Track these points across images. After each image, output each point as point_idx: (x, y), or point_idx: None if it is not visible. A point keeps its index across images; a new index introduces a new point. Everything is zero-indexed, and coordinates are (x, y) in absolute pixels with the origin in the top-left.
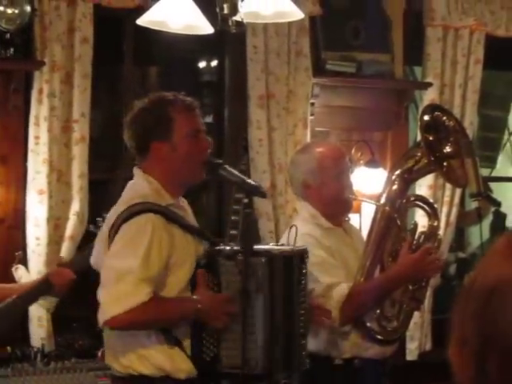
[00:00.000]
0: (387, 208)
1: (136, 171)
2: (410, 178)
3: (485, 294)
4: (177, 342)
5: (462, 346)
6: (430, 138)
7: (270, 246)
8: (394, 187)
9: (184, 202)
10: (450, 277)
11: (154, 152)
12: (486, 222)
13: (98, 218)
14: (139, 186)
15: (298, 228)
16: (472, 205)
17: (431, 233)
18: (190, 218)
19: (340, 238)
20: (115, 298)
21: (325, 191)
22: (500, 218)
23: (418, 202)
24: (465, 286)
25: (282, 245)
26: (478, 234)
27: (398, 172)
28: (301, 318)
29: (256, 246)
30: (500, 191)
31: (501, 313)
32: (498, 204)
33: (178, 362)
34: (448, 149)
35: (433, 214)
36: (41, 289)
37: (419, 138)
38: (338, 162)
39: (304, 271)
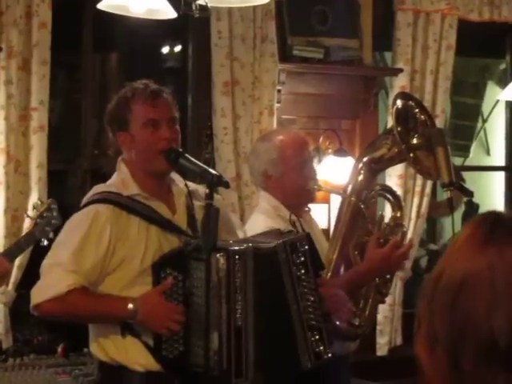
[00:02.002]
0: (353, 199)
1: (118, 160)
2: (377, 168)
3: (454, 287)
4: (133, 332)
5: (432, 342)
6: (398, 128)
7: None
8: (360, 177)
9: (176, 191)
10: (421, 270)
11: (120, 143)
12: (459, 213)
13: None
14: (113, 176)
15: (260, 221)
16: (444, 195)
17: (396, 224)
18: (179, 209)
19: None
20: (41, 287)
21: (286, 182)
22: (473, 208)
23: (382, 192)
24: (430, 278)
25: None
26: (450, 225)
27: (364, 160)
28: (308, 309)
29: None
30: (473, 181)
31: (472, 306)
32: (470, 194)
33: (133, 354)
34: (415, 140)
35: (396, 205)
36: None
37: (389, 126)
38: (301, 152)
39: (301, 260)
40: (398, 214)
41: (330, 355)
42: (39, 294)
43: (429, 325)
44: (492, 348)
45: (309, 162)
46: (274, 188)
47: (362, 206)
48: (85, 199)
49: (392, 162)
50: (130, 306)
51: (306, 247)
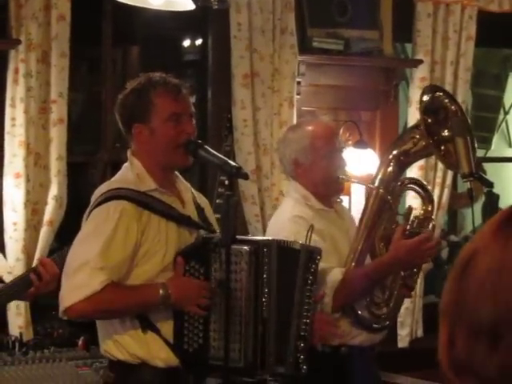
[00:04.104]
0: (381, 190)
1: (128, 153)
2: (406, 161)
3: (463, 262)
4: (153, 328)
5: (441, 316)
6: (429, 120)
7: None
8: (389, 169)
9: (182, 186)
10: (442, 261)
11: (135, 135)
12: (479, 204)
13: None
14: (125, 170)
15: (288, 207)
16: (465, 187)
17: (425, 218)
18: (188, 203)
19: (332, 221)
20: (72, 288)
21: (316, 170)
22: (493, 199)
23: (412, 186)
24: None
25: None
26: (471, 216)
27: (393, 153)
28: (302, 319)
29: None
30: (495, 172)
31: (469, 283)
32: (490, 185)
33: (154, 349)
34: (446, 132)
35: (427, 198)
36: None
37: (410, 118)
38: (330, 141)
39: (312, 271)
40: (429, 208)
41: (305, 368)
42: (71, 295)
43: (442, 299)
44: (479, 328)
45: (338, 151)
46: (304, 176)
47: (389, 198)
48: (98, 195)
49: (420, 155)
50: (161, 291)
51: (319, 258)
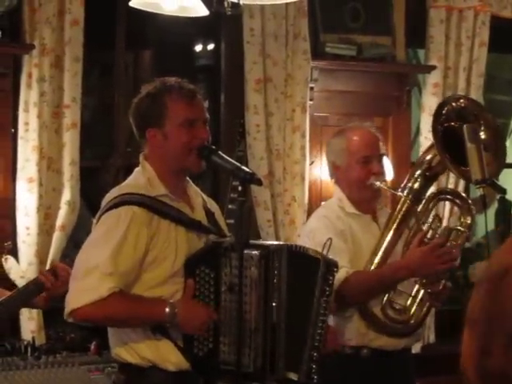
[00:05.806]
0: (409, 201)
1: (140, 158)
2: (431, 175)
3: (497, 275)
4: (163, 332)
5: (470, 326)
6: (455, 125)
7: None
8: (416, 185)
9: (192, 191)
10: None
11: (149, 139)
12: (492, 210)
13: None
14: (137, 174)
15: (321, 209)
16: (477, 193)
17: (457, 229)
18: (197, 209)
19: (363, 225)
20: (79, 291)
21: (350, 174)
22: (506, 205)
23: (449, 197)
24: (482, 271)
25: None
26: (483, 222)
27: (419, 172)
28: (317, 329)
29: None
30: (506, 178)
31: (508, 295)
32: (503, 191)
33: (165, 352)
34: (483, 135)
35: (465, 210)
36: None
37: (423, 124)
38: (367, 147)
39: (330, 282)
40: (469, 221)
41: (316, 378)
42: (78, 298)
43: (470, 310)
44: None
45: (375, 158)
46: (341, 179)
47: (417, 207)
48: (108, 200)
49: (443, 168)
50: (167, 309)
51: (336, 270)
